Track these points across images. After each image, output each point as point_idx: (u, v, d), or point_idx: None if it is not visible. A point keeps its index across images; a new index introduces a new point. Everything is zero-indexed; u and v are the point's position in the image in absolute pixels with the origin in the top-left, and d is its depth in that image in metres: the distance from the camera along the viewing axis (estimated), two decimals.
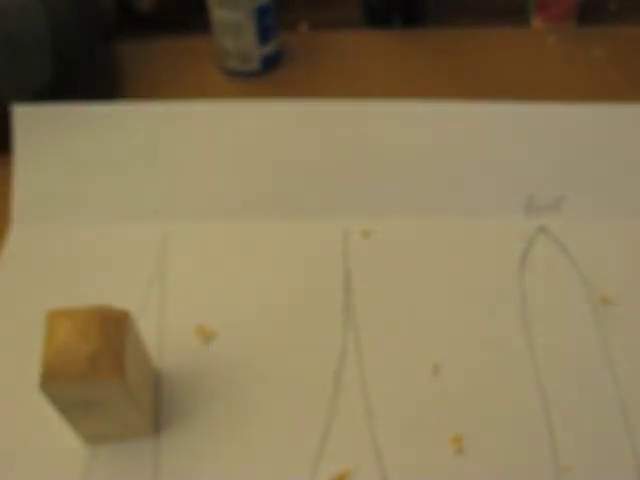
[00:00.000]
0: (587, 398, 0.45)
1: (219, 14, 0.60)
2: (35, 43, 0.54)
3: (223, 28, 0.60)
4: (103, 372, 0.36)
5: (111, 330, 0.38)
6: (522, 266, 0.51)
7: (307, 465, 0.42)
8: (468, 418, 0.44)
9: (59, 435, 0.42)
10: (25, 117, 0.54)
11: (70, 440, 0.42)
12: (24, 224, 0.53)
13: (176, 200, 0.54)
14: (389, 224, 0.53)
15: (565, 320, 0.48)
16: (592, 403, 0.44)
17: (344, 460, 0.42)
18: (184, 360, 0.46)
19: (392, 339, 0.47)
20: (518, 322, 0.48)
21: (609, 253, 0.52)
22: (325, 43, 0.66)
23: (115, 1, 0.65)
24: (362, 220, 0.53)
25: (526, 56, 0.65)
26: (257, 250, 0.52)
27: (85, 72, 0.58)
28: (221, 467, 0.42)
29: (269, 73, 0.64)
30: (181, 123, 0.55)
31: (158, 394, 0.45)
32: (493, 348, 0.47)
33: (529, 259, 0.51)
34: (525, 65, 0.64)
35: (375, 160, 0.55)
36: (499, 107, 0.56)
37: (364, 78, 0.63)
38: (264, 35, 0.61)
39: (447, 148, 0.55)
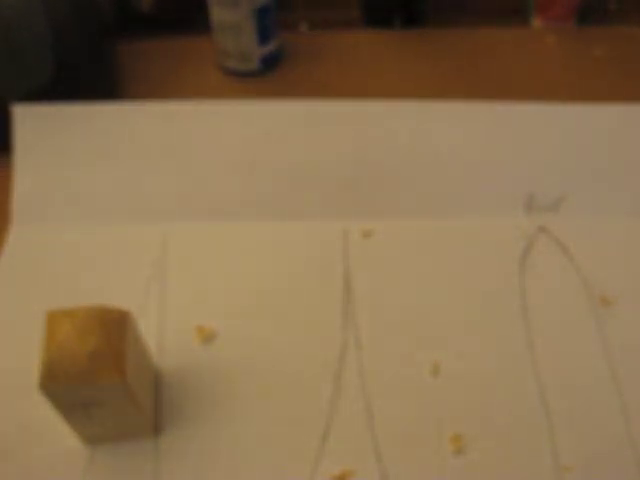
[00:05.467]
0: (587, 398, 0.45)
1: (219, 14, 0.60)
2: (35, 43, 0.54)
3: (223, 28, 0.60)
4: (103, 372, 0.36)
5: (111, 330, 0.38)
6: (522, 266, 0.51)
7: (307, 465, 0.42)
8: (468, 418, 0.44)
9: (59, 435, 0.42)
10: (25, 117, 0.54)
11: (70, 440, 0.42)
12: (24, 224, 0.53)
13: (176, 200, 0.54)
14: (389, 224, 0.53)
15: (565, 320, 0.48)
16: (592, 403, 0.44)
17: (344, 460, 0.42)
18: (184, 360, 0.46)
19: (392, 339, 0.47)
20: (518, 322, 0.48)
21: (609, 253, 0.52)
22: (325, 43, 0.66)
23: (115, 1, 0.65)
24: (362, 220, 0.53)
25: (526, 56, 0.65)
26: (257, 250, 0.52)
27: (85, 72, 0.58)
28: (221, 467, 0.42)
29: (269, 73, 0.64)
30: (181, 123, 0.55)
31: (158, 394, 0.45)
32: (493, 348, 0.47)
33: (529, 259, 0.51)
34: (525, 65, 0.64)
35: (375, 160, 0.55)
36: (499, 107, 0.56)
37: (364, 78, 0.63)
38: (264, 35, 0.61)
39: (447, 148, 0.55)
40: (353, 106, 0.56)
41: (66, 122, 0.55)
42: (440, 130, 0.55)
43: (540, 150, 0.55)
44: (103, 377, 0.36)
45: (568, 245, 0.52)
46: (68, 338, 0.37)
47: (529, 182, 0.54)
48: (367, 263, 0.51)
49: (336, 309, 0.49)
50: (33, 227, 0.53)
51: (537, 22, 0.68)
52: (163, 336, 0.47)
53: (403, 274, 0.51)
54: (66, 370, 0.36)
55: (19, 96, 0.55)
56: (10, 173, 0.54)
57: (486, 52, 0.65)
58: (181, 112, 0.56)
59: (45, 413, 0.42)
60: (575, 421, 0.44)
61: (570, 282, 0.50)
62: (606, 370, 0.46)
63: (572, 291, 0.50)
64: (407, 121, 0.56)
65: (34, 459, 0.42)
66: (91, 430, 0.41)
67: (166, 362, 0.46)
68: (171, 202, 0.54)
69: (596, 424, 0.44)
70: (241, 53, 0.62)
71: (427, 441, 0.43)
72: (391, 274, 0.51)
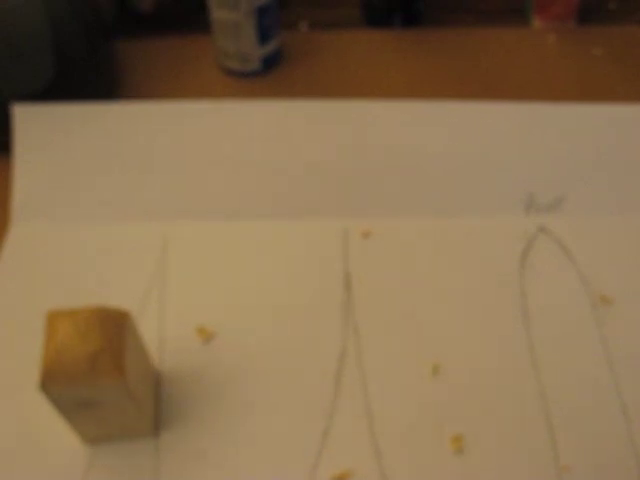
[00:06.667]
0: (587, 398, 0.45)
1: (219, 14, 0.60)
2: (35, 43, 0.54)
3: (223, 28, 0.60)
4: (103, 372, 0.36)
5: (111, 330, 0.38)
6: (522, 266, 0.51)
7: (307, 465, 0.42)
8: (468, 418, 0.44)
9: (59, 435, 0.42)
10: (25, 117, 0.54)
11: (70, 440, 0.42)
12: (24, 224, 0.53)
13: (176, 200, 0.54)
14: (389, 224, 0.53)
15: (565, 319, 0.48)
16: (592, 403, 0.44)
17: (344, 460, 0.42)
18: (184, 360, 0.46)
19: (392, 339, 0.47)
20: (518, 322, 0.48)
21: (609, 253, 0.52)
22: (325, 43, 0.66)
23: (115, 1, 0.65)
24: (362, 220, 0.53)
25: (526, 56, 0.65)
26: (257, 250, 0.52)
27: (85, 72, 0.58)
28: (221, 467, 0.42)
29: (269, 73, 0.64)
30: (181, 123, 0.55)
31: (158, 394, 0.45)
32: (493, 348, 0.47)
33: (529, 259, 0.51)
34: (525, 65, 0.64)
35: (375, 160, 0.55)
36: (499, 107, 0.56)
37: (364, 78, 0.63)
38: (264, 35, 0.61)
39: (447, 148, 0.55)
40: (353, 106, 0.56)
41: (66, 122, 0.55)
42: (440, 130, 0.55)
43: (540, 150, 0.55)
44: (103, 377, 0.36)
45: (568, 245, 0.52)
46: (68, 338, 0.37)
47: (529, 182, 0.54)
48: (367, 263, 0.51)
49: (336, 308, 0.49)
50: (33, 227, 0.53)
51: (537, 22, 0.68)
52: (163, 336, 0.47)
53: (403, 274, 0.50)
54: (66, 370, 0.36)
55: (19, 96, 0.55)
56: (10, 173, 0.54)
57: (486, 52, 0.65)
58: (181, 112, 0.56)
59: (45, 413, 0.42)
60: (575, 421, 0.44)
61: (570, 281, 0.50)
62: (606, 369, 0.46)
63: (572, 290, 0.50)
64: (407, 121, 0.56)
65: (34, 459, 0.42)
66: (91, 430, 0.41)
67: (166, 362, 0.46)
68: (171, 202, 0.54)
69: (596, 424, 0.44)
70: (241, 53, 0.62)
71: (427, 441, 0.43)
72: (391, 274, 0.51)
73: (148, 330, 0.47)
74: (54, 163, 0.54)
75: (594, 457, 0.42)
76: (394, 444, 0.43)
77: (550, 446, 0.43)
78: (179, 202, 0.54)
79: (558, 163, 0.55)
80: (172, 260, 0.51)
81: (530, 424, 0.44)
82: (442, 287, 0.50)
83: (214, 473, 0.42)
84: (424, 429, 0.43)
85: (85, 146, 0.55)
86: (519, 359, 0.46)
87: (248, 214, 0.54)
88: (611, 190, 0.54)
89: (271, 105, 0.56)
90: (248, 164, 0.55)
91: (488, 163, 0.55)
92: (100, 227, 0.53)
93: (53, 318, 0.38)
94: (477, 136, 0.55)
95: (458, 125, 0.55)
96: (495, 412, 0.44)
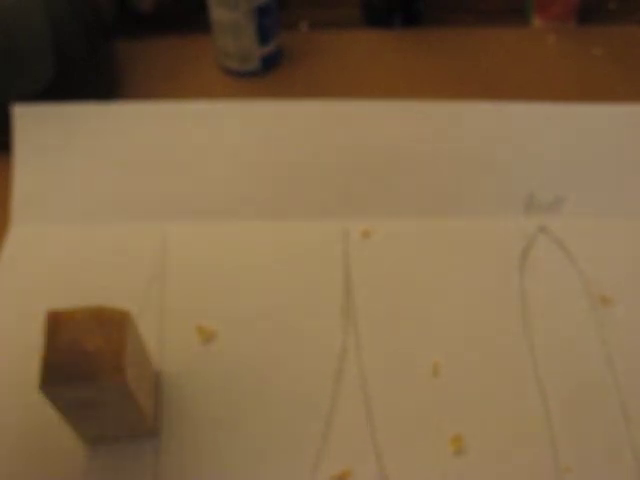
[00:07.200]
0: (587, 398, 0.45)
1: (219, 14, 0.60)
2: (35, 43, 0.54)
3: (223, 28, 0.60)
4: (103, 372, 0.36)
5: (111, 330, 0.38)
6: (522, 266, 0.51)
7: (307, 465, 0.42)
8: (468, 418, 0.44)
9: (59, 435, 0.42)
10: (25, 117, 0.54)
11: (70, 440, 0.42)
12: (24, 224, 0.53)
13: (176, 200, 0.54)
14: (389, 224, 0.53)
15: (565, 320, 0.48)
16: (592, 403, 0.44)
17: (344, 460, 0.42)
18: (184, 360, 0.46)
19: (392, 339, 0.47)
20: (518, 322, 0.48)
21: (609, 253, 0.52)
22: (325, 43, 0.66)
23: (115, 1, 0.65)
24: (362, 220, 0.53)
25: (526, 56, 0.65)
26: (257, 250, 0.52)
27: (85, 72, 0.58)
28: (221, 467, 0.42)
29: (269, 73, 0.64)
30: (181, 123, 0.55)
31: (158, 394, 0.45)
32: (493, 348, 0.47)
33: (529, 259, 0.51)
34: (525, 65, 0.64)
35: (375, 160, 0.55)
36: (499, 107, 0.56)
37: (364, 78, 0.63)
38: (264, 35, 0.61)
39: (447, 148, 0.55)
40: (353, 106, 0.56)
41: (66, 122, 0.55)
42: (440, 130, 0.55)
43: (540, 150, 0.55)
44: (103, 377, 0.36)
45: (568, 245, 0.52)
46: (68, 338, 0.37)
47: (529, 182, 0.54)
48: (367, 263, 0.51)
49: (336, 309, 0.49)
50: (33, 227, 0.53)
51: (537, 22, 0.68)
52: (163, 336, 0.47)
53: (403, 274, 0.50)
54: (66, 370, 0.36)
55: (19, 96, 0.55)
56: (10, 173, 0.54)
57: (486, 52, 0.65)
58: (181, 112, 0.56)
59: (45, 413, 0.42)
60: (575, 421, 0.44)
61: (570, 282, 0.50)
62: (606, 370, 0.46)
63: (572, 291, 0.50)
64: (406, 121, 0.56)
65: (34, 459, 0.42)
66: (91, 430, 0.41)
67: (166, 362, 0.46)
68: (171, 202, 0.54)
69: (596, 424, 0.44)
70: (241, 53, 0.62)
71: (427, 441, 0.43)
72: (391, 274, 0.51)
73: (148, 330, 0.47)
74: (54, 163, 0.54)
75: (594, 457, 0.42)
76: (394, 444, 0.43)
77: (550, 446, 0.43)
78: (179, 202, 0.54)
79: (558, 163, 0.55)
80: (172, 260, 0.51)
81: (530, 424, 0.44)
82: (442, 287, 0.50)
83: (214, 473, 0.42)
84: (424, 429, 0.43)
85: (85, 146, 0.55)
86: (519, 359, 0.46)
87: (248, 214, 0.54)
88: (611, 190, 0.54)
89: (271, 105, 0.56)
90: (248, 164, 0.55)
91: (488, 163, 0.55)
92: (100, 227, 0.53)
93: (53, 318, 0.38)
94: (477, 136, 0.55)
95: (458, 125, 0.55)
96: (495, 412, 0.44)
